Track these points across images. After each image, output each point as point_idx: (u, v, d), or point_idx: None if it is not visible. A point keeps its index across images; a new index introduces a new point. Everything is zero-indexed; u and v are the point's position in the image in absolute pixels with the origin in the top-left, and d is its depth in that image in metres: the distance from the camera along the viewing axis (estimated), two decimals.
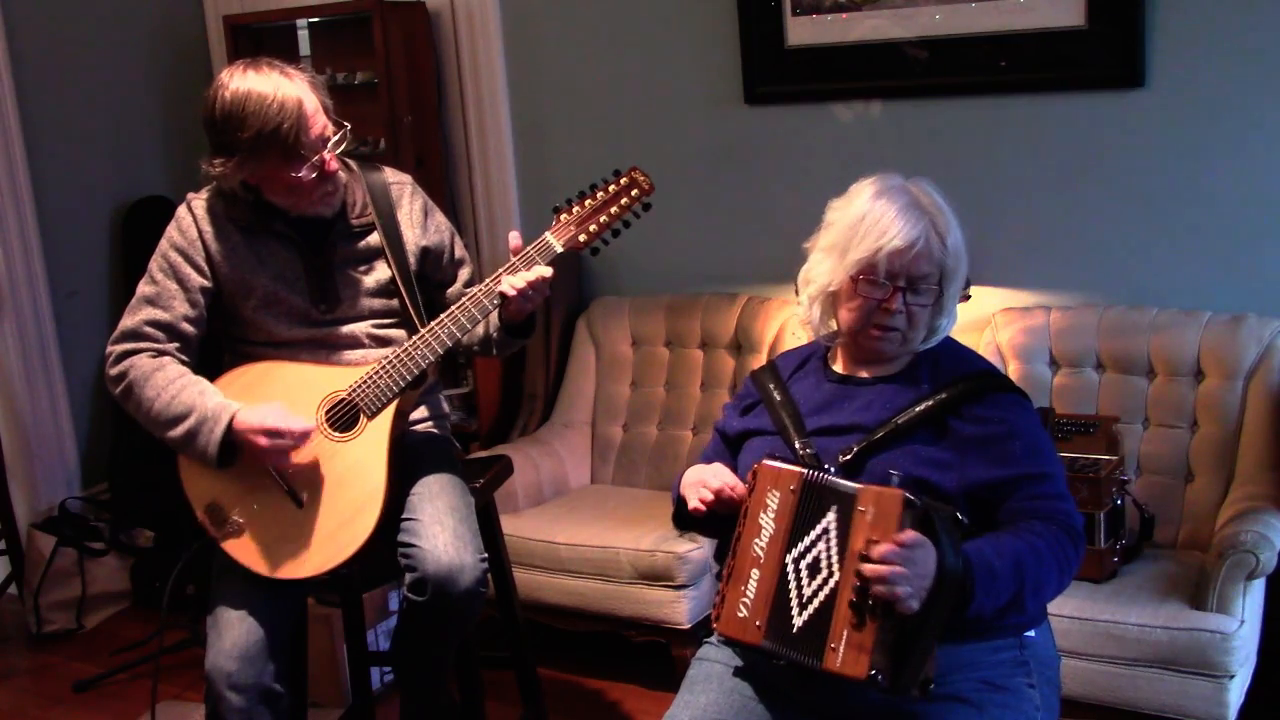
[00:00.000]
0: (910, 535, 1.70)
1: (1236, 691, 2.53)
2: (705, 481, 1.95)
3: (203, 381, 2.32)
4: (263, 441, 2.23)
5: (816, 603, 1.78)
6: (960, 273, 1.96)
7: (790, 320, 3.44)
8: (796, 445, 1.95)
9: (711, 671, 1.99)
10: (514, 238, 2.35)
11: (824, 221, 2.02)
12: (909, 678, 1.72)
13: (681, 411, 3.65)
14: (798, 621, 1.79)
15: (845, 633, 1.73)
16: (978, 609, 1.75)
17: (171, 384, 2.30)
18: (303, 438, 2.26)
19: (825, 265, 1.99)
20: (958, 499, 1.85)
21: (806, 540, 1.81)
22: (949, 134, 3.34)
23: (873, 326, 1.96)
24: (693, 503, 1.95)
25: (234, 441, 2.26)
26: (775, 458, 1.89)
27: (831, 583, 1.77)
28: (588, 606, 3.22)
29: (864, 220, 1.93)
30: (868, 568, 1.70)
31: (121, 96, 4.32)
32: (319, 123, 2.28)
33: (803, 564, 1.81)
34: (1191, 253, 3.10)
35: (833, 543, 1.78)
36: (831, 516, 1.79)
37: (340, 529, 2.29)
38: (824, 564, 1.79)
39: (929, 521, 1.73)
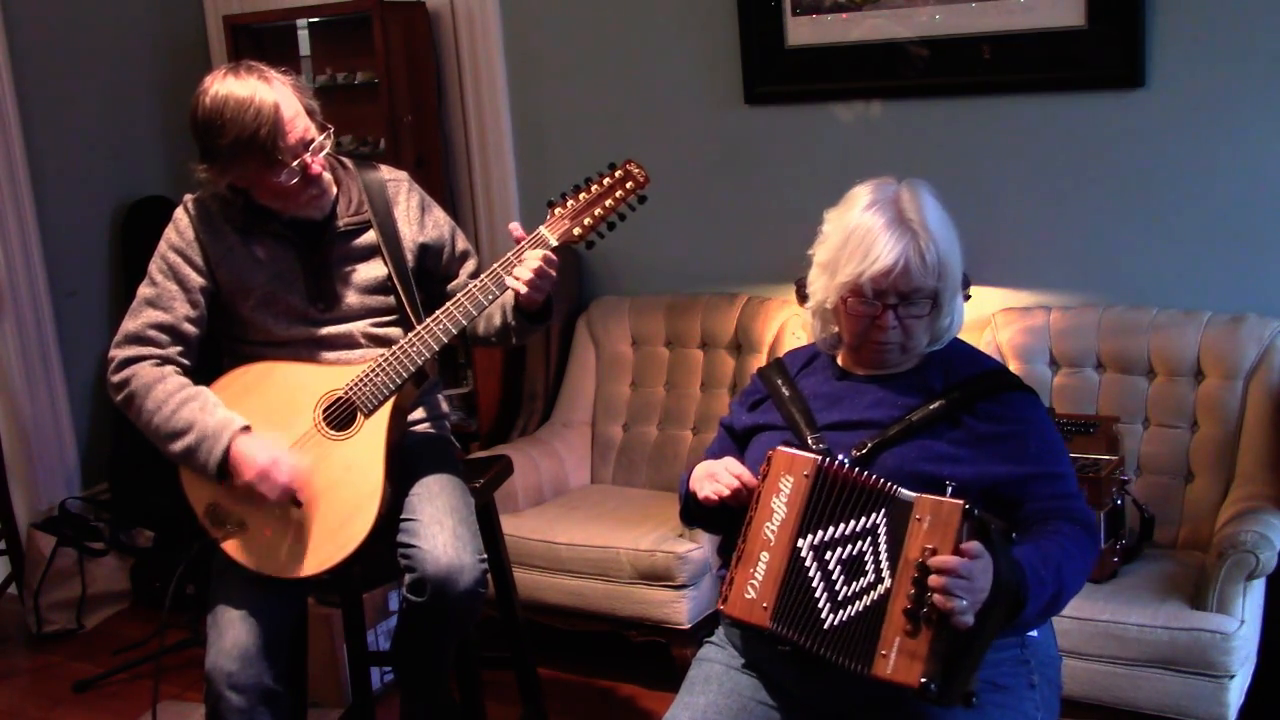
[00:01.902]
0: (973, 546, 1.70)
1: (1236, 691, 2.52)
2: (717, 475, 1.94)
3: (204, 394, 2.32)
4: (250, 478, 2.23)
5: (861, 605, 1.77)
6: (950, 282, 1.95)
7: (790, 320, 3.44)
8: (809, 439, 1.95)
9: (711, 673, 1.99)
10: (515, 228, 2.35)
11: (821, 232, 2.03)
12: (958, 687, 1.73)
13: (681, 411, 3.64)
14: (830, 618, 1.78)
15: (898, 640, 1.73)
16: (1026, 615, 1.77)
17: (172, 397, 2.30)
18: (289, 492, 2.26)
19: (820, 282, 2.01)
20: (973, 493, 1.85)
21: (831, 531, 1.81)
22: (949, 134, 3.33)
23: (869, 341, 1.97)
24: (704, 493, 1.94)
25: (232, 462, 2.26)
26: (790, 445, 1.90)
27: (881, 588, 1.76)
28: (588, 606, 3.22)
29: (849, 240, 1.94)
30: (932, 578, 1.69)
31: (121, 96, 4.32)
32: (299, 127, 2.27)
33: (831, 556, 1.80)
34: (1191, 253, 3.10)
35: (882, 546, 1.77)
36: (879, 519, 1.78)
37: (338, 528, 2.28)
38: (869, 566, 1.78)
39: (985, 532, 1.73)
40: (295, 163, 2.27)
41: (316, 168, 2.31)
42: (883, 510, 1.79)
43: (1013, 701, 1.88)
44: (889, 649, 1.73)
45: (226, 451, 2.24)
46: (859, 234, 1.92)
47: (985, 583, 1.70)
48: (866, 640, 1.75)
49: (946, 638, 1.71)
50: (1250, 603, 2.55)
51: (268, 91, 2.24)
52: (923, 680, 1.70)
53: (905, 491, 1.78)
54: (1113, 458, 2.82)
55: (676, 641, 3.12)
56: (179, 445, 2.28)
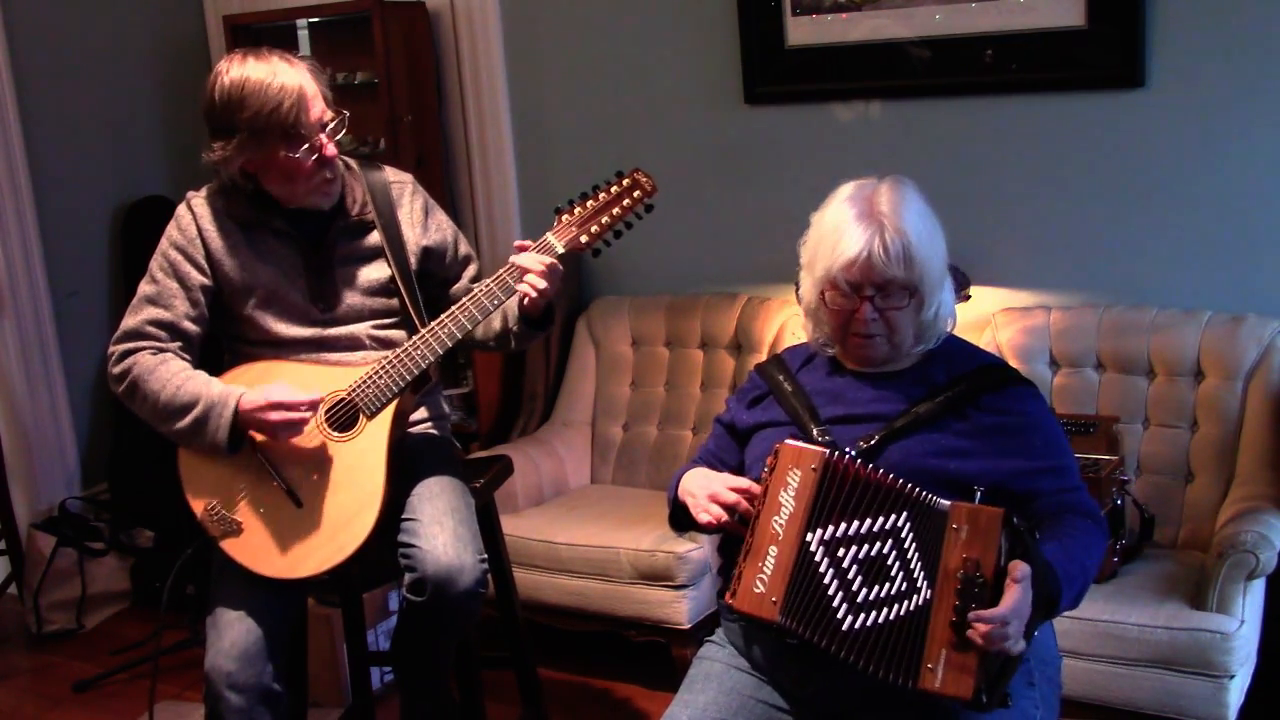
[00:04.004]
0: (1022, 569, 1.69)
1: (1236, 691, 2.53)
2: (717, 496, 1.92)
3: (205, 374, 2.33)
4: (273, 416, 2.23)
5: (893, 613, 1.76)
6: (926, 274, 1.93)
7: (790, 320, 3.44)
8: (814, 433, 1.95)
9: (711, 671, 1.99)
10: (519, 244, 2.36)
11: (807, 234, 2.04)
12: (1001, 691, 1.73)
13: (681, 411, 3.64)
14: (851, 620, 1.77)
15: (944, 653, 1.71)
16: (1057, 615, 1.80)
17: (176, 376, 2.30)
18: (311, 408, 2.27)
19: (806, 281, 2.03)
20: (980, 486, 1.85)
21: (844, 528, 1.80)
22: (949, 134, 3.33)
23: (852, 335, 1.97)
24: (704, 518, 1.93)
25: (242, 428, 2.26)
26: (796, 439, 1.89)
27: (917, 598, 1.75)
28: (588, 606, 3.22)
29: (824, 235, 1.96)
30: (981, 628, 1.67)
31: (121, 96, 4.32)
32: (318, 107, 2.30)
33: (846, 554, 1.79)
34: (1191, 253, 3.10)
35: (911, 553, 1.77)
36: (900, 521, 1.78)
37: (339, 529, 2.28)
38: (897, 572, 1.77)
39: (1020, 537, 1.73)
40: (314, 139, 2.29)
41: (331, 149, 2.32)
42: (905, 513, 1.78)
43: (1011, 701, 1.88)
44: (935, 662, 1.71)
45: (236, 414, 2.24)
46: (829, 228, 1.95)
47: (1029, 605, 1.70)
48: (909, 653, 1.74)
49: (995, 652, 1.70)
50: (1250, 603, 2.55)
51: (291, 72, 2.27)
52: (976, 692, 1.69)
53: (939, 500, 1.77)
54: (1113, 458, 2.82)
55: (676, 641, 3.12)
56: (187, 420, 2.27)
